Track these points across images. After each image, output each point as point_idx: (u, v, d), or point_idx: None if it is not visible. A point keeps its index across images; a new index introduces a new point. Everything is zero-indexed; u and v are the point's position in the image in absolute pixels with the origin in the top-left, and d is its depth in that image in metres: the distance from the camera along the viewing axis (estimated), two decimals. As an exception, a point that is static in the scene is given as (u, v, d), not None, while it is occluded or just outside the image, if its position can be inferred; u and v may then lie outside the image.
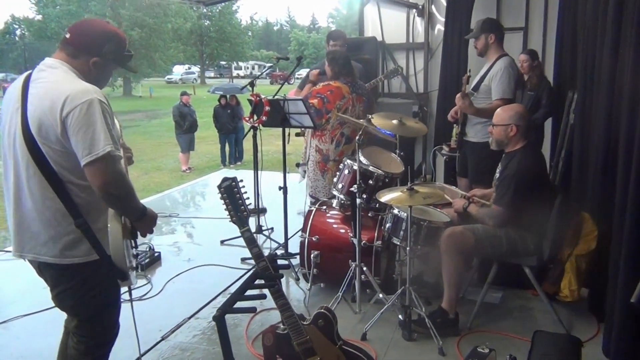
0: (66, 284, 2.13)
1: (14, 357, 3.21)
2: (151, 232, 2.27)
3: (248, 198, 2.38)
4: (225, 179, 2.33)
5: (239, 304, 2.44)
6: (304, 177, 4.81)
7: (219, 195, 2.34)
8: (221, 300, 3.89)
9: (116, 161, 1.96)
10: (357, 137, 3.57)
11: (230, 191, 2.32)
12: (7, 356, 3.22)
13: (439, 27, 6.52)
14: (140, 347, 2.44)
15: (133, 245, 2.24)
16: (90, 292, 2.14)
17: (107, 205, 2.02)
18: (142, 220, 2.16)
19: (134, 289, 4.08)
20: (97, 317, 2.24)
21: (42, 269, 2.16)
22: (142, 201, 2.17)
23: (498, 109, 3.42)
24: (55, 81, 2.00)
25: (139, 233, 2.23)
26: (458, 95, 3.97)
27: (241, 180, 2.36)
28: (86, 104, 1.91)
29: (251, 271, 3.13)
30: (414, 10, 6.69)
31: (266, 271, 2.35)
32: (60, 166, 1.98)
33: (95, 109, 1.92)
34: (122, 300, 2.34)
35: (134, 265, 2.23)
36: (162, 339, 3.37)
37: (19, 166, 2.03)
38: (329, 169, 4.40)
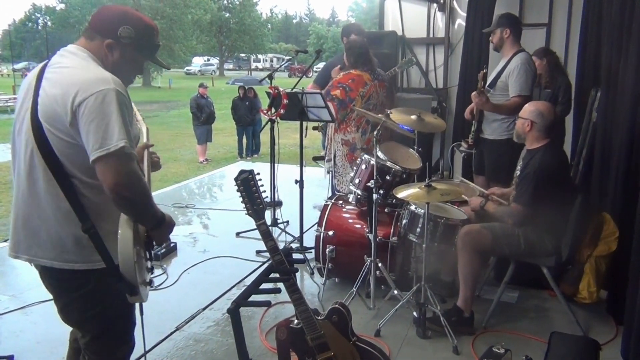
0: (69, 295, 1.94)
1: (31, 342, 3.25)
2: (168, 240, 2.13)
3: (265, 191, 2.37)
4: (242, 172, 2.31)
5: (253, 297, 2.43)
6: (328, 172, 4.78)
7: (236, 187, 2.33)
8: (236, 291, 3.91)
9: (130, 159, 1.74)
10: (375, 132, 3.54)
11: (247, 184, 2.30)
12: (25, 342, 3.26)
13: (460, 22, 6.46)
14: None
15: (147, 257, 2.00)
16: (97, 306, 1.94)
17: (119, 210, 1.80)
18: (159, 229, 1.94)
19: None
20: (107, 333, 2.02)
21: (42, 274, 1.96)
22: (159, 191, 2.14)
23: (527, 103, 3.42)
24: (71, 67, 1.83)
25: (154, 243, 2.03)
26: (474, 93, 3.94)
27: (258, 173, 2.35)
28: (102, 93, 1.72)
29: (266, 264, 3.13)
30: (435, 4, 6.62)
31: (281, 265, 2.34)
32: (67, 159, 1.78)
33: (112, 100, 1.72)
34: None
35: (147, 279, 1.98)
36: (177, 329, 3.38)
37: (25, 154, 1.84)
38: (356, 157, 4.38)
